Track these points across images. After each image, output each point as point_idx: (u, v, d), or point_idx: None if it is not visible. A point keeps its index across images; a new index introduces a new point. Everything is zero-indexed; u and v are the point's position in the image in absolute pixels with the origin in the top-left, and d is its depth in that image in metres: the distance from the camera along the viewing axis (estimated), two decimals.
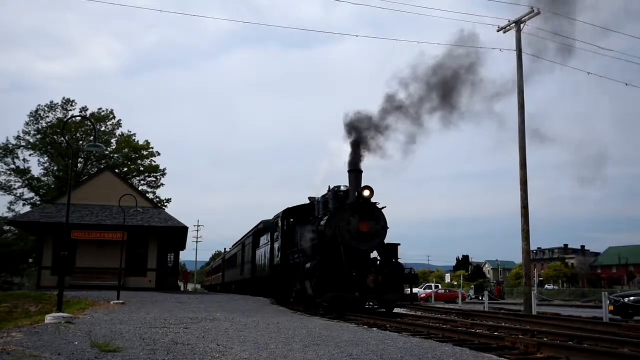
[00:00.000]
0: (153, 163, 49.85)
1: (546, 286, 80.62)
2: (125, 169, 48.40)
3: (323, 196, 18.30)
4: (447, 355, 7.19)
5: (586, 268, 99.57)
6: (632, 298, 20.42)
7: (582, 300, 41.51)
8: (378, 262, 16.72)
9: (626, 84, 39.33)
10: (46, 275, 29.93)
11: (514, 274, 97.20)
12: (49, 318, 10.74)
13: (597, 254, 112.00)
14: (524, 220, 21.06)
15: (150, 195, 45.66)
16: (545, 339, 10.17)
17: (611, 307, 19.26)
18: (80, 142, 45.49)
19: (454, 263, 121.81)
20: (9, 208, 45.22)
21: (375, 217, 16.32)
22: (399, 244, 17.18)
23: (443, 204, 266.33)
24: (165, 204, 47.70)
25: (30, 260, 46.20)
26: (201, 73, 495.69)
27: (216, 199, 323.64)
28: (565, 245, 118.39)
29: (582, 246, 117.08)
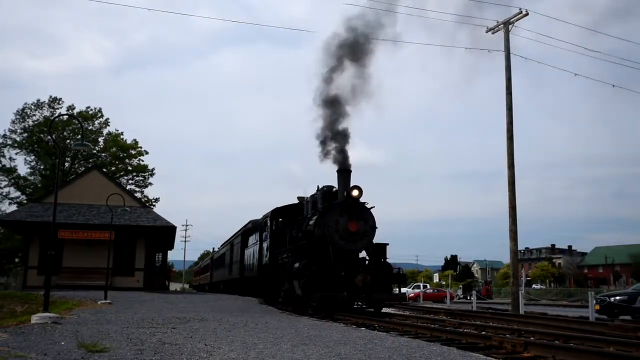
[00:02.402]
0: (141, 162, 49.67)
1: (534, 286, 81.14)
2: (113, 168, 48.16)
3: (312, 196, 18.30)
4: (435, 354, 7.21)
5: (573, 268, 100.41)
6: (618, 298, 20.61)
7: (569, 300, 41.81)
8: (367, 262, 16.73)
9: (613, 86, 39.75)
10: (32, 275, 29.69)
11: (502, 274, 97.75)
12: (35, 318, 10.64)
13: (584, 254, 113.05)
14: (511, 220, 21.19)
15: (139, 195, 45.48)
16: (532, 338, 10.23)
17: (597, 307, 19.40)
18: (68, 141, 45.18)
19: (442, 263, 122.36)
20: None
21: (364, 217, 16.34)
22: (387, 244, 17.23)
23: (432, 204, 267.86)
24: (154, 203, 47.58)
25: (17, 259, 45.85)
26: (192, 72, 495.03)
27: (206, 199, 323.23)
28: (553, 245, 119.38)
29: (569, 246, 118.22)
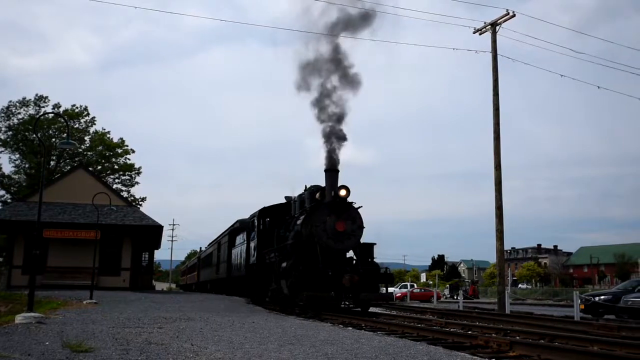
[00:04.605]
0: (128, 161, 49.35)
1: (520, 285, 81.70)
2: (99, 167, 47.77)
3: (300, 195, 18.28)
4: (421, 353, 7.24)
5: (559, 268, 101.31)
6: (602, 297, 20.80)
7: (554, 299, 42.14)
8: (354, 261, 16.75)
9: (599, 87, 40.09)
10: (17, 274, 29.40)
11: (488, 274, 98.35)
12: (19, 318, 10.54)
13: (569, 254, 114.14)
14: (498, 220, 21.30)
15: (125, 194, 45.17)
16: (517, 337, 10.29)
17: (582, 306, 19.57)
18: (53, 139, 44.76)
19: (429, 263, 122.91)
20: None
21: (351, 217, 16.35)
22: (375, 244, 17.24)
23: (419, 204, 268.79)
24: (140, 202, 47.25)
25: (1, 259, 45.32)
26: (181, 70, 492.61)
27: (193, 198, 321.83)
28: (539, 245, 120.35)
29: (555, 246, 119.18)
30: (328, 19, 18.11)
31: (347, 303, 16.24)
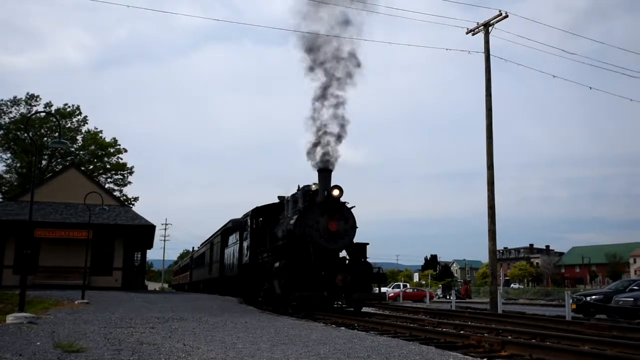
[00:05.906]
0: (120, 161, 49.18)
1: (512, 285, 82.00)
2: (92, 166, 47.58)
3: (293, 195, 18.27)
4: (414, 353, 7.25)
5: (551, 268, 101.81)
6: (594, 297, 20.92)
7: (546, 299, 42.33)
8: (347, 261, 16.76)
9: (590, 88, 40.28)
10: (8, 274, 29.26)
11: (481, 274, 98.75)
12: (10, 318, 10.48)
13: (561, 254, 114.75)
14: (490, 220, 21.37)
15: (117, 194, 45.02)
16: (509, 337, 10.33)
17: (574, 306, 19.68)
18: (45, 138, 44.53)
19: (422, 263, 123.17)
20: None
21: (344, 217, 16.36)
22: (367, 244, 17.24)
23: (412, 204, 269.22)
24: (133, 202, 47.09)
25: None
26: (175, 69, 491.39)
27: (186, 198, 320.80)
28: (531, 245, 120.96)
29: (547, 246, 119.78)
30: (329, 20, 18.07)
31: (340, 303, 16.25)
